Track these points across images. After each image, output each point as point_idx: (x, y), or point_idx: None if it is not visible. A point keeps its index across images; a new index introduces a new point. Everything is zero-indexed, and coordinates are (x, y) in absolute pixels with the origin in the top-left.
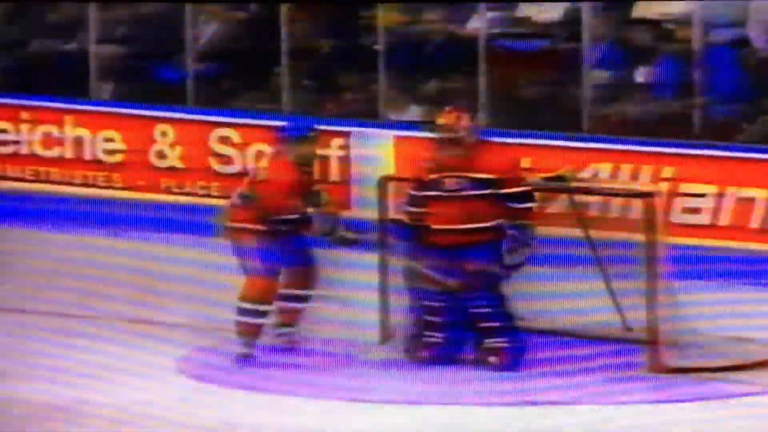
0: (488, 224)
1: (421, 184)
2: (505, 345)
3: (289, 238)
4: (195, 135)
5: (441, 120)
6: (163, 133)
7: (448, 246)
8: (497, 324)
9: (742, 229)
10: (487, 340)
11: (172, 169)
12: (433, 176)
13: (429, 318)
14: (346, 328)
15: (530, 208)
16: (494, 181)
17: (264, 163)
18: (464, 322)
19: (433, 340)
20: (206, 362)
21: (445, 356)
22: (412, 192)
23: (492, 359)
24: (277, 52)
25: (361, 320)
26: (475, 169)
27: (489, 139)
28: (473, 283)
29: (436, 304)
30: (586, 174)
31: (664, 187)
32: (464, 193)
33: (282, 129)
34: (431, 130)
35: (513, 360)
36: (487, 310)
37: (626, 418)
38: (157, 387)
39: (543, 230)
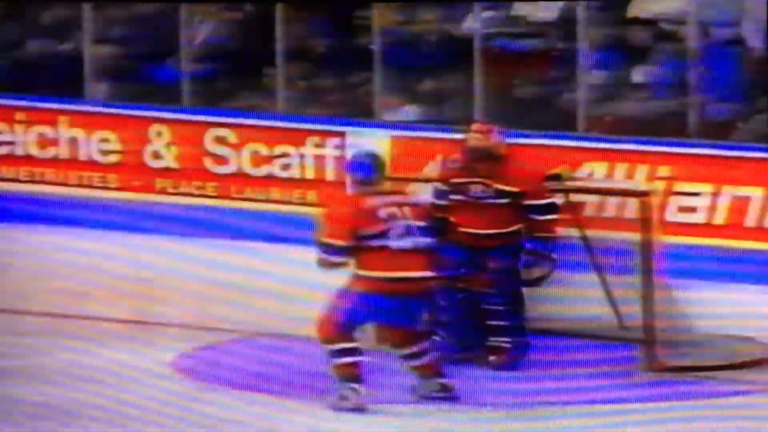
0: (508, 230)
1: (447, 183)
2: (509, 345)
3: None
4: (190, 135)
5: (471, 135)
6: (158, 134)
7: (468, 246)
8: (505, 323)
9: (738, 227)
10: (491, 339)
11: (167, 169)
12: (460, 180)
13: (441, 317)
14: None
15: (552, 221)
16: (518, 193)
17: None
18: (474, 322)
19: (443, 339)
20: (203, 362)
21: (455, 355)
22: (439, 187)
23: (492, 358)
24: (272, 52)
25: None
26: (502, 179)
27: (516, 144)
28: (491, 282)
29: (449, 303)
30: (581, 173)
31: (659, 185)
32: (489, 201)
33: (361, 167)
34: (461, 144)
35: (513, 360)
36: (498, 308)
37: (623, 417)
38: (154, 387)
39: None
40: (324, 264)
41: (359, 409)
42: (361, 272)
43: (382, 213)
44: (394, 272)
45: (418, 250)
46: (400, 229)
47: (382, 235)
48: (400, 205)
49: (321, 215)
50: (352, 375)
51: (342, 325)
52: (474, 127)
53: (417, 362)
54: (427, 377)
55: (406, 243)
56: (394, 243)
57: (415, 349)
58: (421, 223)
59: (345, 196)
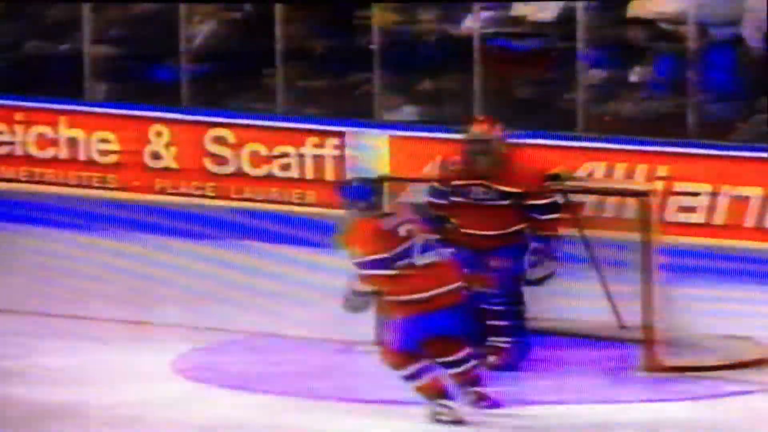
0: (510, 230)
1: (447, 184)
2: (508, 345)
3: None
4: (189, 135)
5: (473, 130)
6: (158, 134)
7: (469, 247)
8: (506, 324)
9: (737, 227)
10: (492, 339)
11: (166, 169)
12: (460, 182)
13: None
14: (341, 327)
15: (555, 220)
16: (520, 194)
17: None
18: (474, 321)
19: None
20: (203, 362)
21: None
22: (438, 187)
23: (492, 359)
24: (272, 53)
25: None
26: (503, 180)
27: (518, 144)
28: (492, 282)
29: None
30: (580, 173)
31: (658, 186)
32: (490, 202)
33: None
34: (462, 138)
35: (513, 361)
36: (499, 308)
37: (622, 417)
38: (154, 387)
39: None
40: (371, 281)
41: (457, 422)
42: (395, 297)
43: (403, 231)
44: (427, 291)
45: (442, 262)
46: (421, 246)
47: (406, 253)
48: (412, 222)
49: (349, 242)
50: (436, 392)
51: (401, 352)
52: (476, 122)
53: (455, 370)
54: (464, 385)
55: (430, 258)
56: (418, 260)
57: (454, 357)
58: (435, 236)
59: (363, 221)
